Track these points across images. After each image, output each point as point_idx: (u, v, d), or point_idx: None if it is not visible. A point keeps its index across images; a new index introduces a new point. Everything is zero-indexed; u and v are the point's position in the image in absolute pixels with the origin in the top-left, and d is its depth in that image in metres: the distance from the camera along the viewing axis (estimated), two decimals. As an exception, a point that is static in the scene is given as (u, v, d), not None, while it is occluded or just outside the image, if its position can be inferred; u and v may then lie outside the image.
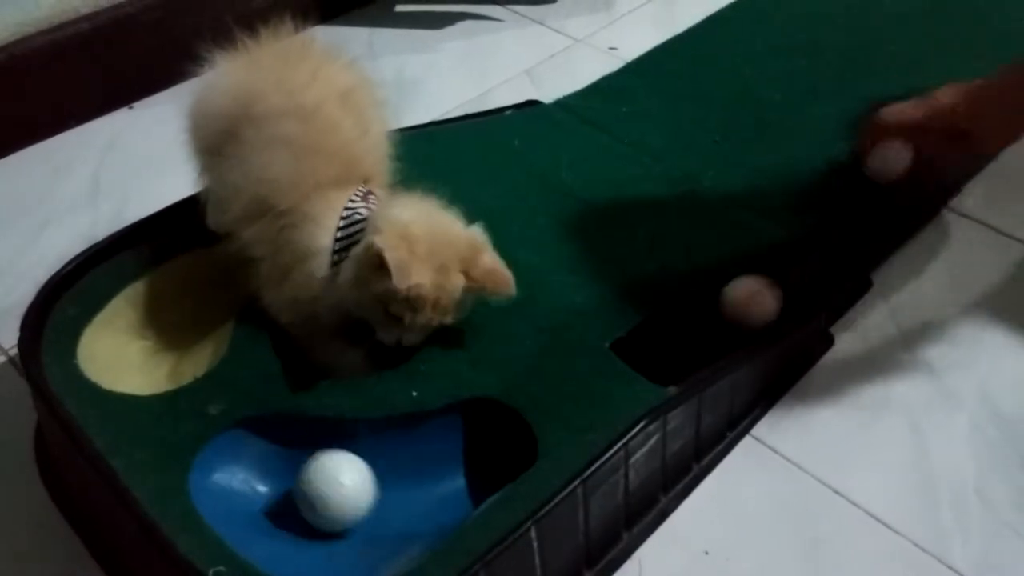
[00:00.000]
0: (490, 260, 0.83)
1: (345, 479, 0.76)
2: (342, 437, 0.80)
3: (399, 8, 1.57)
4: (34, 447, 0.90)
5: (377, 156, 0.90)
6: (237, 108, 0.85)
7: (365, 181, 0.87)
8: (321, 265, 0.82)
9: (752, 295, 0.93)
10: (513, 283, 0.83)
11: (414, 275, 0.77)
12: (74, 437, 0.77)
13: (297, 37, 0.92)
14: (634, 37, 1.46)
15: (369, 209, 0.83)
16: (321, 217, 0.83)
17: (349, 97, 0.88)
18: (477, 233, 0.84)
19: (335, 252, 0.82)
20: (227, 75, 0.88)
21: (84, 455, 0.76)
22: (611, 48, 1.46)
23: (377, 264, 0.77)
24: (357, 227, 0.82)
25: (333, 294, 0.82)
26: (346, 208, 0.83)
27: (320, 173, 0.84)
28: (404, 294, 0.77)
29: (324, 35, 1.51)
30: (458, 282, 0.81)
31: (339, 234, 0.82)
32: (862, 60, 1.36)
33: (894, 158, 1.09)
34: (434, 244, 0.80)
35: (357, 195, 0.84)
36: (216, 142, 0.86)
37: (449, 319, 0.82)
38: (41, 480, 0.88)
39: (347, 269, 0.81)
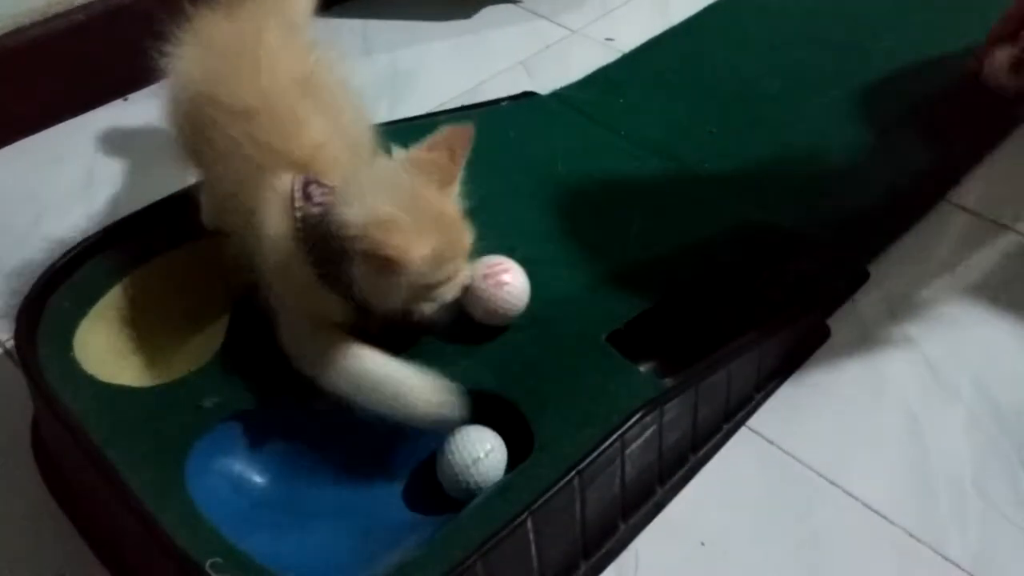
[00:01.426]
0: (428, 142, 0.79)
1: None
2: (338, 429, 0.80)
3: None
4: (31, 439, 0.90)
5: (349, 140, 0.85)
6: (195, 108, 0.84)
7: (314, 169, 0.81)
8: (291, 266, 0.78)
9: None
10: (464, 129, 0.80)
11: (421, 248, 0.73)
12: (71, 429, 0.77)
13: (253, 13, 0.88)
14: (630, 28, 1.45)
15: (319, 206, 0.78)
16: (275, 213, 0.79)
17: (309, 83, 0.84)
18: (402, 151, 0.80)
19: (312, 263, 0.78)
20: (182, 71, 0.86)
21: (81, 447, 0.76)
22: (607, 39, 1.45)
23: (380, 265, 0.73)
24: (320, 227, 0.77)
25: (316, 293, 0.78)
26: (297, 210, 0.78)
27: (281, 167, 0.80)
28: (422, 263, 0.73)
29: (318, 28, 1.50)
30: (450, 205, 0.78)
31: (304, 236, 0.77)
32: (859, 52, 1.35)
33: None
34: (406, 197, 0.75)
35: (297, 192, 0.79)
36: (189, 140, 0.86)
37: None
38: (38, 472, 0.88)
39: (363, 281, 0.76)
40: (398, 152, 0.79)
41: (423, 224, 0.74)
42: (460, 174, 0.79)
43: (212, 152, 0.82)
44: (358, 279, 0.75)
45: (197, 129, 0.84)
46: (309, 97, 0.83)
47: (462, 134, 0.79)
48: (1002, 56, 1.22)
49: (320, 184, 0.79)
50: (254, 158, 0.80)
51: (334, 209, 0.74)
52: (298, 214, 0.77)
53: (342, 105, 0.87)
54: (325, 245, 0.75)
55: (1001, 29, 1.24)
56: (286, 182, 0.79)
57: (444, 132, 0.79)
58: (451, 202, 0.78)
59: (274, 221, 0.78)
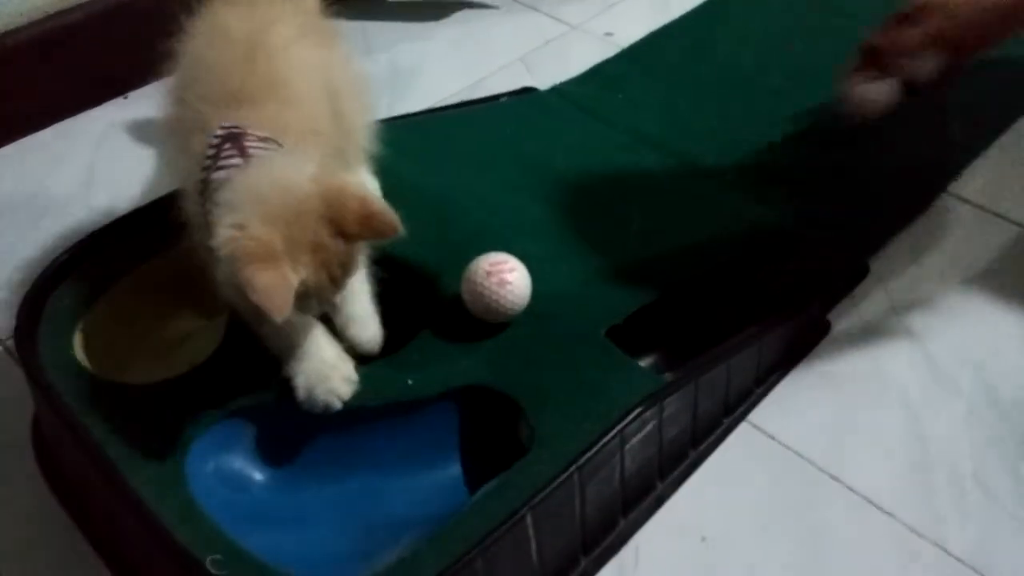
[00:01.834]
0: (358, 204, 0.70)
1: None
2: (337, 425, 0.80)
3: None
4: (31, 436, 0.90)
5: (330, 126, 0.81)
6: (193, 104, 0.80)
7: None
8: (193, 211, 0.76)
9: None
10: (397, 221, 0.70)
11: (285, 294, 0.65)
12: (71, 427, 0.77)
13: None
14: (630, 23, 1.45)
15: (225, 168, 0.71)
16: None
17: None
18: (325, 175, 0.71)
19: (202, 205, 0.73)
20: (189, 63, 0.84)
21: (81, 445, 0.76)
22: (607, 34, 1.45)
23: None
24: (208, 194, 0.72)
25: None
26: (204, 166, 0.73)
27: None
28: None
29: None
30: (338, 249, 0.70)
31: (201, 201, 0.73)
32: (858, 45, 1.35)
33: (876, 90, 1.08)
34: (291, 220, 0.68)
35: (216, 136, 0.74)
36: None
37: (348, 282, 0.73)
38: (39, 469, 0.88)
39: (220, 268, 0.69)
40: (333, 169, 0.74)
41: (299, 255, 0.68)
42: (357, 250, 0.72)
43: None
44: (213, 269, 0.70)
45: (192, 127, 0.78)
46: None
47: (388, 226, 0.70)
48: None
49: (237, 140, 0.72)
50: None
51: (217, 195, 0.69)
52: (203, 174, 0.73)
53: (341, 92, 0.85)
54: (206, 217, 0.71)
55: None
56: (212, 134, 0.74)
57: (383, 209, 0.71)
58: (344, 245, 0.70)
59: (188, 173, 0.75)
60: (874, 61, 1.07)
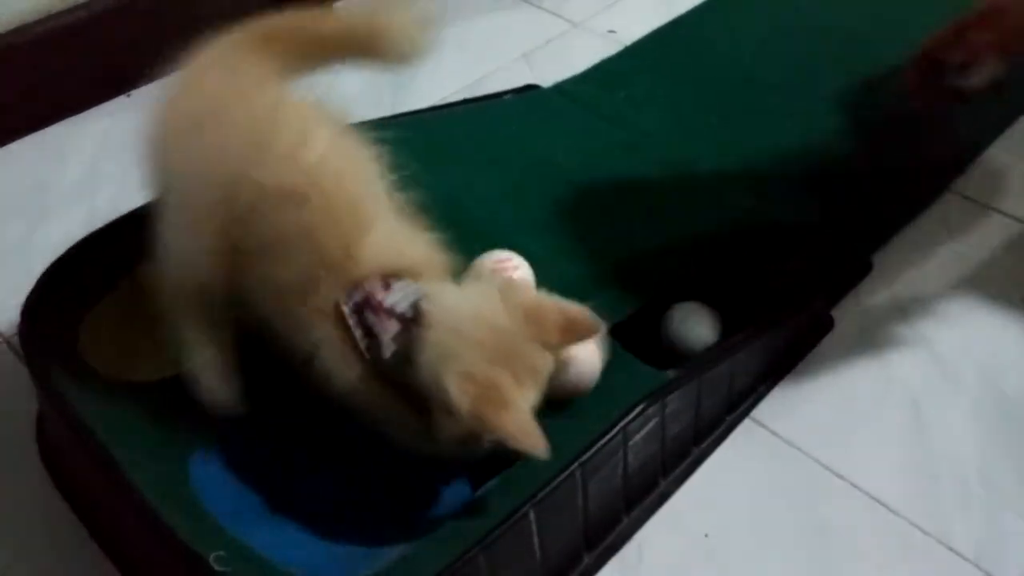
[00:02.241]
0: (557, 315, 0.70)
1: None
2: (340, 424, 0.80)
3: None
4: (35, 434, 0.91)
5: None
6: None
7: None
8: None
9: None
10: (595, 319, 0.71)
11: (534, 428, 0.66)
12: (75, 425, 0.77)
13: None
14: (633, 20, 1.45)
15: (392, 339, 0.69)
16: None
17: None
18: (523, 290, 0.72)
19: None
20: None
21: (85, 443, 0.76)
22: (609, 31, 1.45)
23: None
24: (396, 367, 0.70)
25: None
26: (364, 346, 0.70)
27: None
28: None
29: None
30: (548, 363, 0.70)
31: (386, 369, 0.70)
32: (862, 43, 1.35)
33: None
34: (509, 355, 0.68)
35: (351, 320, 0.70)
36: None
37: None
38: (43, 466, 0.88)
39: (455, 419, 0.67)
40: (514, 287, 0.72)
41: (523, 382, 0.68)
42: (557, 349, 0.71)
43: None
44: (443, 427, 0.69)
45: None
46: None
47: (591, 328, 0.71)
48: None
49: (370, 306, 0.70)
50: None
51: (421, 355, 0.67)
52: (367, 355, 0.70)
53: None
54: (403, 384, 0.70)
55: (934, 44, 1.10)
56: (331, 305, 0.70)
57: (582, 313, 0.71)
58: (549, 358, 0.70)
59: (338, 362, 0.71)
60: (931, 67, 1.07)
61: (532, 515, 0.71)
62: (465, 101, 1.26)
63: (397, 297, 0.70)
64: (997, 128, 1.23)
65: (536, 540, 0.73)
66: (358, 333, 0.70)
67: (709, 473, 0.87)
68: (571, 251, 0.97)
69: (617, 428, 0.76)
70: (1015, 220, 1.11)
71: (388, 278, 0.71)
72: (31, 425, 0.91)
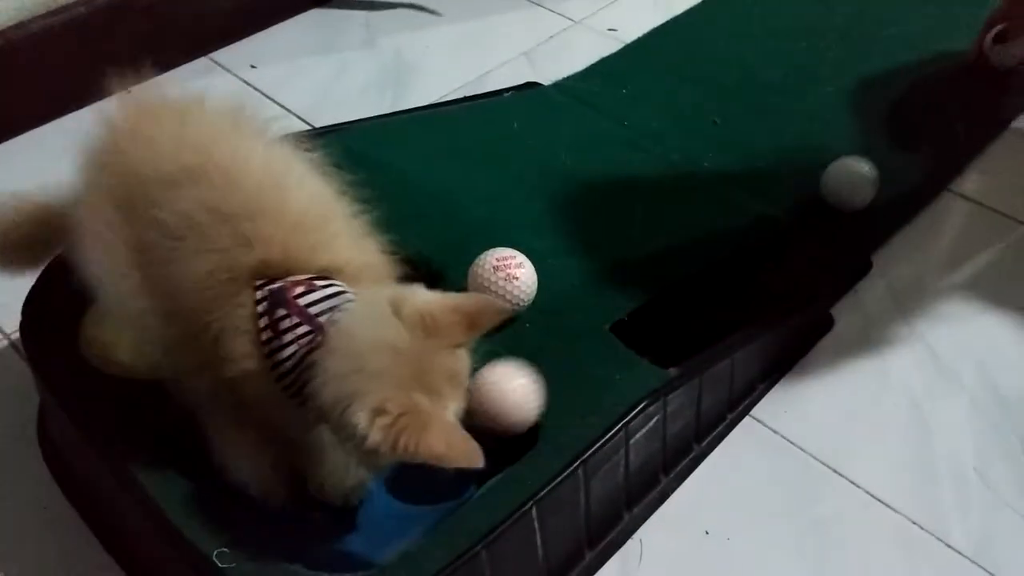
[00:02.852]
0: (454, 314, 0.66)
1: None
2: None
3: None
4: (37, 430, 0.91)
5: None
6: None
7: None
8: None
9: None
10: (498, 304, 0.70)
11: (462, 438, 0.62)
12: (77, 421, 0.78)
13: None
14: (633, 18, 1.45)
15: (294, 342, 0.65)
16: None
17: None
18: (408, 307, 0.65)
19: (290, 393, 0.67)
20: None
21: (87, 439, 0.76)
22: (610, 29, 1.45)
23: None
24: (293, 372, 0.66)
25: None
26: (264, 339, 0.66)
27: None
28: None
29: (320, 19, 1.51)
30: (463, 365, 0.67)
31: (274, 376, 0.66)
32: (862, 42, 1.35)
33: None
34: (417, 373, 0.63)
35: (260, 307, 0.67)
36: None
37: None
38: (45, 463, 0.88)
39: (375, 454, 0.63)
40: (408, 297, 0.66)
41: (440, 396, 0.64)
42: (468, 346, 0.68)
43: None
44: (352, 451, 0.65)
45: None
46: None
47: (495, 311, 0.68)
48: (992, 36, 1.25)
49: (285, 301, 0.66)
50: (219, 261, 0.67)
51: (322, 383, 0.63)
52: (265, 350, 0.66)
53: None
54: (299, 387, 0.66)
55: (996, 12, 1.26)
56: (248, 298, 0.67)
57: (477, 300, 0.69)
58: (461, 354, 0.67)
59: (238, 351, 0.67)
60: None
61: (534, 512, 0.72)
62: (466, 99, 1.27)
63: (317, 298, 0.67)
64: (994, 129, 1.23)
65: (538, 537, 0.74)
66: (263, 322, 0.66)
67: (710, 471, 0.88)
68: (572, 248, 0.97)
69: (619, 426, 0.76)
70: (1013, 220, 1.12)
71: (316, 278, 0.68)
72: (33, 423, 0.91)
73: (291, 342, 0.65)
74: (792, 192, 1.10)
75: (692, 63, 1.33)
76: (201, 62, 1.40)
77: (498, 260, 0.85)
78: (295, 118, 1.29)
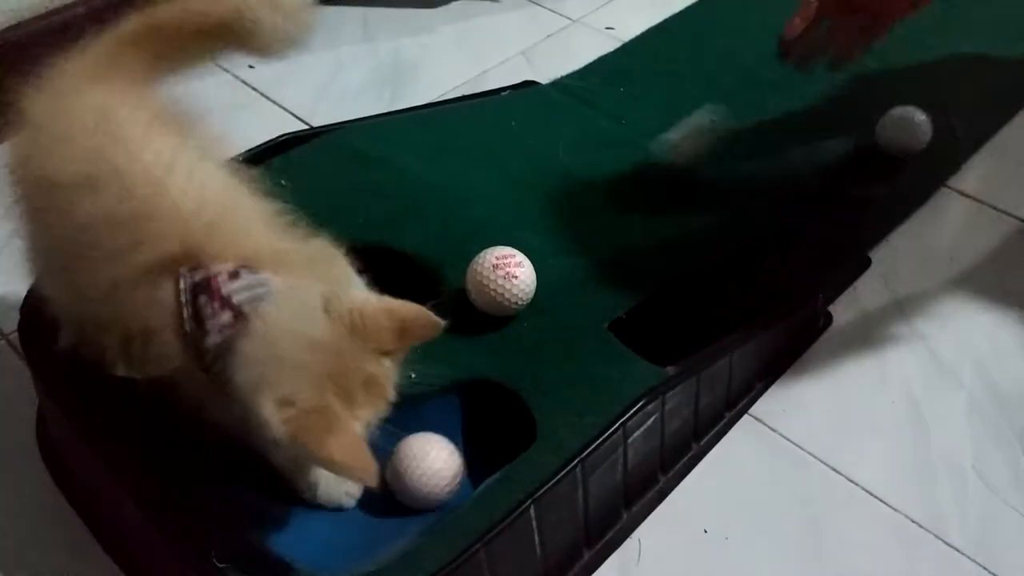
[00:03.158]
0: (387, 319, 0.65)
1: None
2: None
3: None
4: (36, 431, 0.91)
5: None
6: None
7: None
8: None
9: None
10: (434, 318, 0.66)
11: (365, 455, 0.61)
12: (75, 421, 0.78)
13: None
14: (631, 17, 1.45)
15: (217, 331, 0.64)
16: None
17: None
18: (336, 304, 0.64)
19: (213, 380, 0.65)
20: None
21: (86, 439, 0.76)
22: (608, 28, 1.45)
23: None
24: (217, 362, 0.64)
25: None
26: (187, 330, 0.65)
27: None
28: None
29: (319, 20, 1.50)
30: (386, 371, 0.65)
31: (200, 366, 0.65)
32: (860, 38, 1.35)
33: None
34: (334, 372, 0.62)
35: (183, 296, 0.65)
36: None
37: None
38: (43, 463, 0.88)
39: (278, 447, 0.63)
40: (340, 292, 0.65)
41: (353, 400, 0.63)
42: (397, 355, 0.66)
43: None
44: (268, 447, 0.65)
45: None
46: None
47: (430, 326, 0.66)
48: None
49: (208, 288, 0.64)
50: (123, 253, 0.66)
51: (238, 369, 0.62)
52: (189, 340, 0.65)
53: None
54: (221, 369, 0.64)
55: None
56: (168, 292, 0.65)
57: (414, 310, 0.66)
58: (386, 362, 0.65)
59: (161, 340, 0.66)
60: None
61: (532, 511, 0.72)
62: (464, 97, 1.27)
63: (239, 287, 0.65)
64: (992, 126, 1.23)
65: (536, 536, 0.74)
66: (187, 313, 0.64)
67: (708, 469, 0.88)
68: (570, 247, 0.97)
69: (617, 424, 0.77)
70: (1012, 217, 1.12)
71: (240, 267, 0.66)
72: (31, 422, 0.91)
73: (214, 331, 0.64)
74: (790, 190, 1.10)
75: (691, 61, 1.32)
76: (199, 62, 1.40)
77: (498, 258, 0.85)
78: (293, 117, 1.29)
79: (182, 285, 0.65)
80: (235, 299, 0.64)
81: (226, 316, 0.64)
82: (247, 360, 0.62)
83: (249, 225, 0.70)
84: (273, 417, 0.60)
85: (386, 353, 0.65)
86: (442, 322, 0.66)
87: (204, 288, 0.65)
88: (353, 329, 0.63)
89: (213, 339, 0.64)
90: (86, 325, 0.72)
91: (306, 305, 0.64)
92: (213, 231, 0.67)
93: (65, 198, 0.68)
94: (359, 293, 0.67)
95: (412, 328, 0.65)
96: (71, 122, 0.71)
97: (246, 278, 0.65)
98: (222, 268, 0.65)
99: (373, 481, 0.61)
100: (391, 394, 0.66)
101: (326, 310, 0.64)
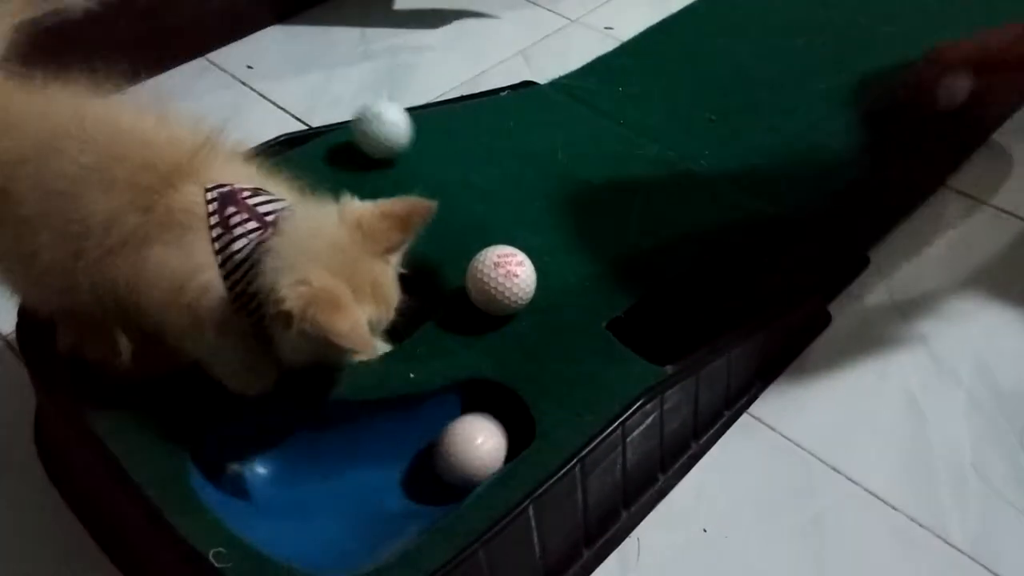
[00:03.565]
0: (383, 219, 0.72)
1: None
2: (340, 418, 0.80)
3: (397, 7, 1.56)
4: (34, 431, 0.91)
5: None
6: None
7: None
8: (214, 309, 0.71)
9: None
10: (423, 202, 0.73)
11: (365, 333, 0.68)
12: (74, 422, 0.78)
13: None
14: (629, 17, 1.45)
15: (244, 236, 0.70)
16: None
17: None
18: (349, 205, 0.73)
19: (235, 299, 0.71)
20: None
21: (84, 439, 0.76)
22: (607, 28, 1.45)
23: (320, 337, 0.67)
24: (243, 265, 0.70)
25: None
26: (214, 236, 0.70)
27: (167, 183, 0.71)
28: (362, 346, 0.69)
29: (316, 18, 1.51)
30: (390, 279, 0.73)
31: (224, 273, 0.70)
32: (858, 39, 1.35)
33: (958, 88, 1.15)
34: (348, 268, 0.70)
35: (212, 206, 0.70)
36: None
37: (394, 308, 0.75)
38: (41, 464, 0.88)
39: (283, 341, 0.71)
40: (349, 203, 0.73)
41: (361, 295, 0.70)
42: (400, 249, 0.74)
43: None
44: (278, 339, 0.71)
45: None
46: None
47: (423, 210, 0.74)
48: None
49: (235, 200, 0.71)
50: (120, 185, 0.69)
51: (264, 263, 0.69)
52: (217, 245, 0.70)
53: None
54: (248, 284, 0.70)
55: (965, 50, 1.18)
56: (193, 196, 0.70)
57: (406, 202, 0.74)
58: (390, 270, 0.73)
59: (187, 250, 0.70)
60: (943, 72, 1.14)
61: (531, 511, 0.72)
62: (463, 98, 1.27)
63: (263, 200, 0.72)
64: (992, 125, 1.23)
65: (535, 535, 0.74)
66: (214, 220, 0.70)
67: (707, 468, 0.88)
68: (569, 246, 0.97)
69: (616, 424, 0.76)
70: (1011, 216, 1.12)
71: (256, 189, 0.73)
72: (29, 421, 0.91)
73: (241, 235, 0.70)
74: (788, 188, 1.10)
75: (689, 61, 1.32)
76: (197, 62, 1.40)
77: (499, 257, 0.85)
78: (291, 118, 1.29)
79: (209, 196, 0.70)
80: (260, 210, 0.71)
81: (252, 224, 0.70)
82: (276, 254, 0.69)
83: (230, 158, 0.75)
84: (288, 291, 0.67)
85: (390, 250, 0.73)
86: (433, 203, 0.73)
87: (231, 199, 0.71)
88: (362, 233, 0.71)
89: (240, 244, 0.70)
90: (79, 314, 0.75)
91: (324, 213, 0.72)
92: (198, 162, 0.72)
93: (30, 170, 0.71)
94: (359, 204, 0.73)
95: (410, 220, 0.73)
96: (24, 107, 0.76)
97: (267, 194, 0.73)
98: (246, 186, 0.72)
99: (373, 353, 0.71)
100: (394, 300, 0.73)
101: (340, 219, 0.71)
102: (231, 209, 0.70)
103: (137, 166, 0.70)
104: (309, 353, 0.73)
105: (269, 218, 0.71)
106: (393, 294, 0.73)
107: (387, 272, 0.73)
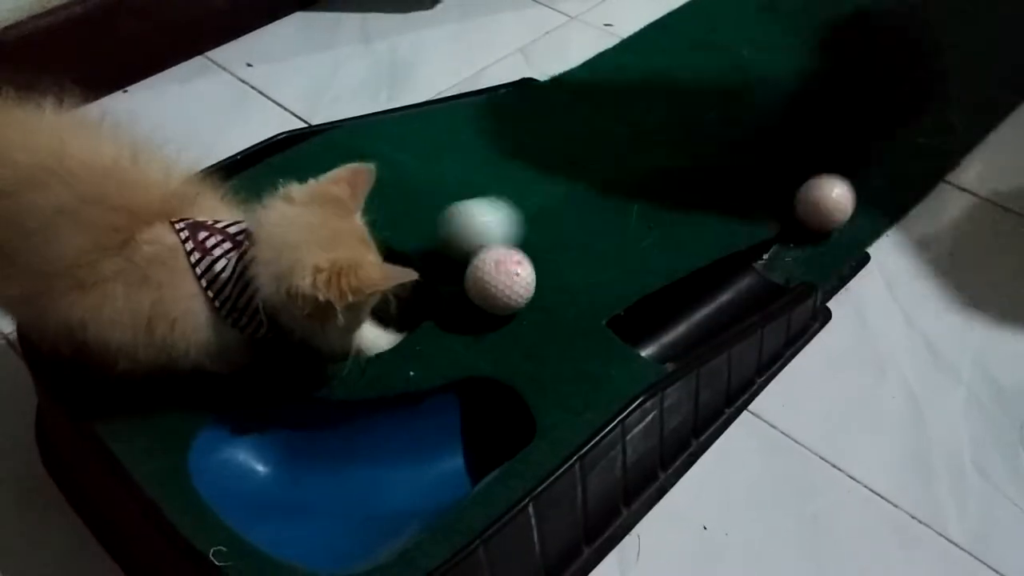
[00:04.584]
0: (332, 184, 0.75)
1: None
2: (339, 418, 0.80)
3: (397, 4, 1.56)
4: (35, 429, 0.91)
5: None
6: None
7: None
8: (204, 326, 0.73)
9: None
10: (364, 169, 0.76)
11: (392, 271, 0.72)
12: (75, 420, 0.78)
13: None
14: (629, 14, 1.45)
15: (224, 256, 0.72)
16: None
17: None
18: (294, 190, 0.75)
19: (227, 315, 0.73)
20: None
21: (85, 438, 0.76)
22: (606, 25, 1.45)
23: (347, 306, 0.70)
24: (229, 283, 0.72)
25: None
26: (194, 261, 0.72)
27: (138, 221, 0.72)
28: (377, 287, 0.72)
29: (316, 16, 1.50)
30: (363, 226, 0.76)
31: (212, 294, 0.72)
32: (862, 36, 1.35)
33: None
34: (333, 237, 0.73)
35: (183, 234, 0.72)
36: None
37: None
38: (42, 462, 0.88)
39: (329, 333, 0.74)
40: (293, 188, 0.75)
41: (359, 251, 0.73)
42: (359, 209, 0.76)
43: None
44: (321, 335, 0.74)
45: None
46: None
47: (362, 173, 0.76)
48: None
49: (207, 227, 0.73)
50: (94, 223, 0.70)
51: (258, 275, 0.71)
52: (199, 270, 0.72)
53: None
54: (239, 299, 0.72)
55: None
56: (164, 235, 0.72)
57: (344, 170, 0.76)
58: (362, 224, 0.76)
59: (168, 278, 0.71)
60: None
61: (531, 508, 0.72)
62: (462, 95, 1.26)
63: (225, 224, 0.74)
64: (991, 121, 1.23)
65: (535, 533, 0.74)
66: (189, 246, 0.72)
67: (707, 466, 0.88)
68: (568, 244, 0.97)
69: (616, 421, 0.76)
70: (1009, 212, 1.12)
71: (214, 220, 0.75)
72: (30, 421, 0.91)
73: (221, 256, 0.72)
74: (790, 186, 1.09)
75: (688, 58, 1.32)
76: (197, 61, 1.40)
77: (499, 256, 0.85)
78: (291, 115, 1.29)
79: (179, 227, 0.72)
80: (230, 230, 0.73)
81: (228, 243, 0.73)
82: (264, 262, 0.71)
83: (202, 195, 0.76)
84: (309, 287, 0.69)
85: (353, 209, 0.75)
86: (371, 166, 0.76)
87: (200, 226, 0.73)
88: (322, 203, 0.74)
89: (222, 264, 0.72)
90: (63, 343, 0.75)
91: (282, 206, 0.74)
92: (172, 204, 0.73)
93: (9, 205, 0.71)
94: (303, 185, 0.75)
95: (357, 179, 0.76)
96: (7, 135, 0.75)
97: (225, 220, 0.75)
98: (201, 219, 0.74)
99: (414, 275, 0.71)
100: (376, 247, 0.76)
101: (297, 203, 0.73)
102: (203, 234, 0.73)
103: (112, 207, 0.71)
104: (358, 325, 0.76)
105: (239, 237, 0.73)
106: (374, 242, 0.76)
107: (362, 227, 0.76)
